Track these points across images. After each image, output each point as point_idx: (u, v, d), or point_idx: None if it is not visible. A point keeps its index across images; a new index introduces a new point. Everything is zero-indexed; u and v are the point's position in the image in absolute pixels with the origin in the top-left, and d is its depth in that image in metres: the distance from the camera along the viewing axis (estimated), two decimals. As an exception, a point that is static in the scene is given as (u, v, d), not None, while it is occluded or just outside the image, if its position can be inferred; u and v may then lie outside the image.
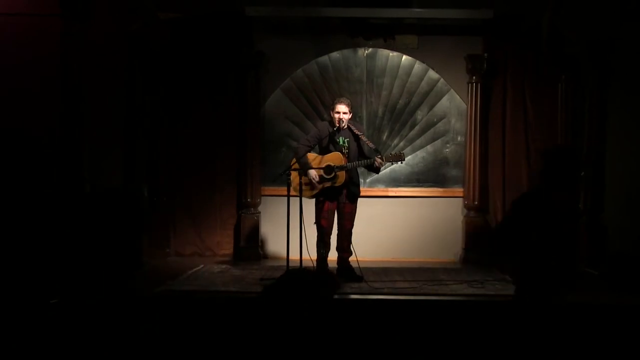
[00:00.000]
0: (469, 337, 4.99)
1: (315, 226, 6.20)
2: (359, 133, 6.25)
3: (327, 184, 6.10)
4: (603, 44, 6.97)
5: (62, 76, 6.01)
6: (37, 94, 6.42)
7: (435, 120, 7.68)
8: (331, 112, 6.25)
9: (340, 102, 6.21)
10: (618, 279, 5.92)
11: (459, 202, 7.65)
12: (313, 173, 6.12)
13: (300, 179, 6.03)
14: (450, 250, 7.57)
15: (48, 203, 6.17)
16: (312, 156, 6.26)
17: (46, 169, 6.32)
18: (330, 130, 6.22)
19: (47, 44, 6.32)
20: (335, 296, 3.64)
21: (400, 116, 7.66)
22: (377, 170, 6.38)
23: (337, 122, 6.16)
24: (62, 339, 4.79)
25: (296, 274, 3.38)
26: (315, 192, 6.16)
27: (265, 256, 7.65)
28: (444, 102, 7.67)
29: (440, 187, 7.69)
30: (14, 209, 6.13)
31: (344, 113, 6.18)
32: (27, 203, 6.20)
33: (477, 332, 5.03)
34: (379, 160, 6.08)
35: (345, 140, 6.21)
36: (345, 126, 6.22)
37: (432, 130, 7.69)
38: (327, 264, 6.23)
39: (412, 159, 7.61)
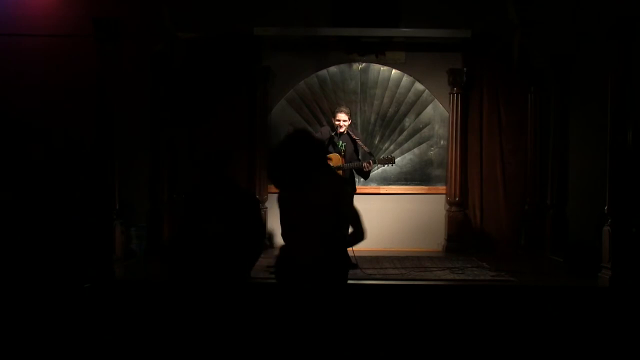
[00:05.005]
0: (451, 316, 5.17)
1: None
2: (356, 138, 6.34)
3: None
4: (564, 59, 7.10)
5: (98, 92, 5.94)
6: (74, 109, 6.51)
7: (421, 126, 7.71)
8: (332, 119, 6.36)
9: (340, 111, 6.28)
10: (578, 264, 6.03)
11: (442, 199, 7.69)
12: None
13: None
14: (435, 240, 7.60)
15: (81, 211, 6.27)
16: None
17: (82, 180, 6.39)
18: (331, 133, 6.34)
19: (82, 64, 6.36)
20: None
21: (390, 123, 7.70)
22: (365, 175, 6.40)
23: (337, 128, 6.28)
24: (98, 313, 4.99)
25: None
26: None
27: (272, 246, 7.42)
28: (429, 110, 7.70)
29: (426, 185, 7.72)
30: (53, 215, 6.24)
31: (344, 121, 6.26)
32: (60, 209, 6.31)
33: (458, 311, 5.21)
34: (366, 164, 6.13)
35: (344, 144, 6.27)
36: (345, 131, 6.35)
37: (418, 135, 7.72)
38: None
39: (401, 161, 7.63)
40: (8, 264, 5.70)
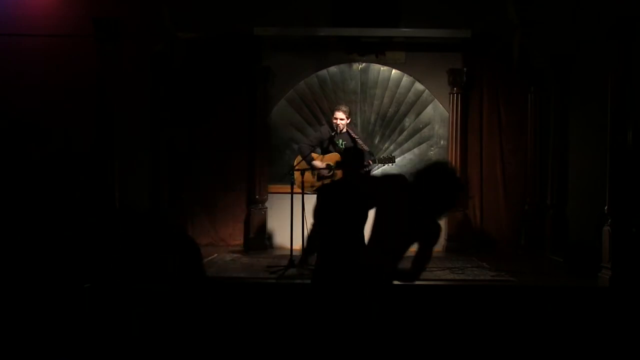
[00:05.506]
0: (451, 316, 5.17)
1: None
2: (356, 137, 6.37)
3: (327, 181, 6.20)
4: (564, 59, 7.12)
5: (98, 92, 5.97)
6: (74, 109, 6.51)
7: (421, 126, 7.70)
8: (332, 118, 6.39)
9: (338, 110, 6.32)
10: (578, 264, 6.04)
11: (442, 199, 7.76)
12: (318, 163, 6.26)
13: (302, 177, 6.06)
14: (435, 240, 7.67)
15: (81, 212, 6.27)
16: (314, 156, 6.41)
17: (82, 180, 6.41)
18: (331, 133, 6.36)
19: (82, 64, 6.38)
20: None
21: (390, 123, 7.69)
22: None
23: (335, 126, 6.31)
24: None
25: None
26: (315, 188, 6.22)
27: (272, 246, 7.60)
28: (429, 110, 7.69)
29: (426, 185, 7.79)
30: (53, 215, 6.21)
31: (341, 119, 6.29)
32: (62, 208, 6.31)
33: (458, 311, 5.21)
34: (366, 163, 6.13)
35: (343, 143, 6.31)
36: (344, 130, 6.33)
37: (418, 135, 7.71)
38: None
39: (401, 161, 7.53)
40: (8, 264, 5.69)
